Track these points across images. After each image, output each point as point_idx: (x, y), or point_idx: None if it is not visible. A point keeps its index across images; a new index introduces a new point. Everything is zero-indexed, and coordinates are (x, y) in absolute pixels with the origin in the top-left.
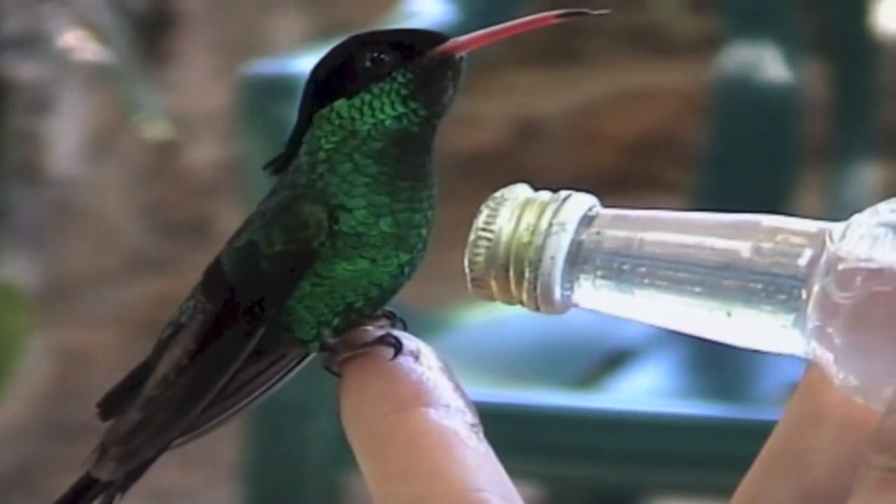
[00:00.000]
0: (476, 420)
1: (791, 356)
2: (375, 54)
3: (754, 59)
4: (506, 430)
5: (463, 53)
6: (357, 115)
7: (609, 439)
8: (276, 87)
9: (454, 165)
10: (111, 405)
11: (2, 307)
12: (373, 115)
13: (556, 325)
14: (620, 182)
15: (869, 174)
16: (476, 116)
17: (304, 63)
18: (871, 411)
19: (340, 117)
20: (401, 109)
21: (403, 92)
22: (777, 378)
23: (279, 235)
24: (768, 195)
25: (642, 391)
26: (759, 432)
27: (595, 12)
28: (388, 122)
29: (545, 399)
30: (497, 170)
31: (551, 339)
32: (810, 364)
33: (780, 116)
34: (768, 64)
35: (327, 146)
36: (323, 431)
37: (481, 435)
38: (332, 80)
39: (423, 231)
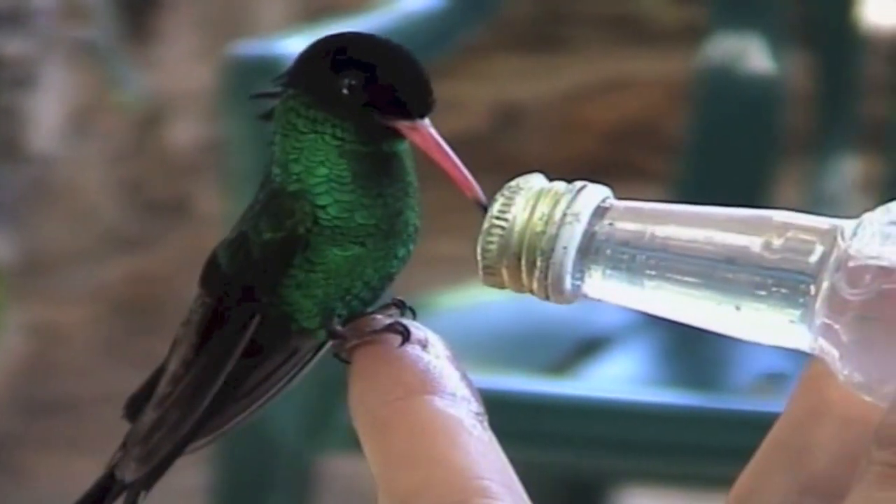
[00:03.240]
0: (481, 409)
1: (774, 349)
2: (353, 83)
3: (738, 50)
4: None
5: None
6: (309, 127)
7: (582, 426)
8: (260, 69)
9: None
10: (136, 407)
11: None
12: (319, 135)
13: (531, 311)
14: (600, 170)
15: (850, 167)
16: (457, 101)
17: (289, 45)
18: (873, 407)
19: (298, 117)
20: (339, 141)
21: (347, 136)
22: (750, 369)
23: (266, 224)
24: (749, 186)
25: (616, 378)
26: (732, 422)
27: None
28: (332, 143)
29: (519, 385)
30: (477, 155)
31: (526, 325)
32: (814, 359)
33: (763, 107)
34: (752, 54)
35: (287, 145)
36: (295, 412)
37: (486, 424)
38: (304, 74)
39: (410, 216)
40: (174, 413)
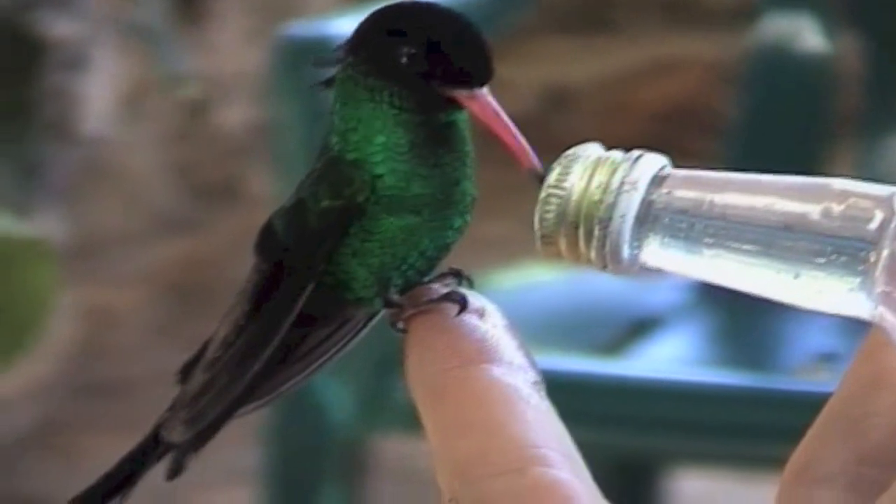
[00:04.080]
0: (539, 378)
1: (837, 327)
2: (413, 51)
3: (790, 30)
4: None
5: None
6: (367, 96)
7: (634, 406)
8: (310, 50)
9: (483, 133)
10: (189, 374)
11: (31, 263)
12: (378, 104)
13: (583, 291)
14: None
15: None
16: (506, 84)
17: (339, 25)
18: None
19: (356, 86)
20: (397, 110)
21: (404, 105)
22: (803, 349)
23: (325, 192)
24: (799, 167)
25: (668, 359)
26: (784, 402)
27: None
28: (389, 112)
29: (571, 365)
30: (527, 138)
31: (578, 306)
32: (874, 329)
33: (814, 88)
34: (803, 35)
35: (345, 114)
36: (350, 393)
37: (543, 393)
38: (364, 45)
39: (466, 186)
40: (223, 377)
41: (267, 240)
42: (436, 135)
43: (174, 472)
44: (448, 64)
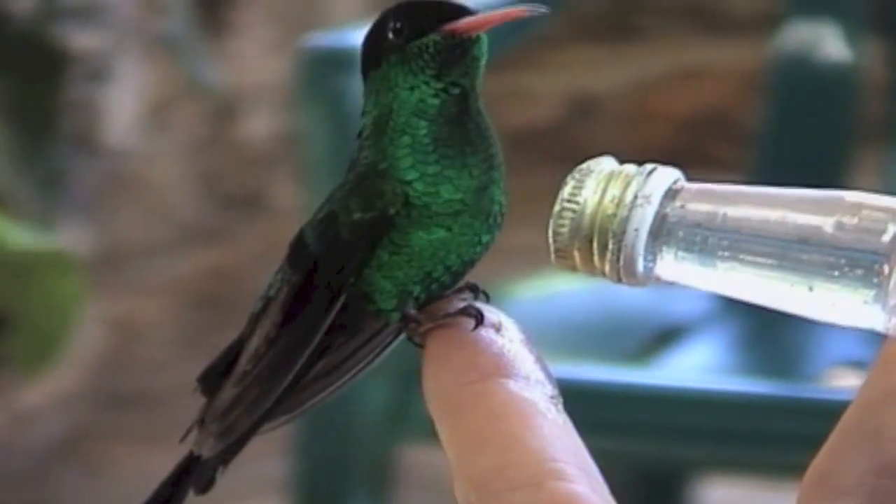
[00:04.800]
0: (556, 392)
1: (863, 334)
2: (397, 24)
3: (814, 38)
4: None
5: (472, 34)
6: (380, 87)
7: (659, 415)
8: (334, 60)
9: (509, 141)
10: (210, 380)
11: (56, 274)
12: (391, 88)
13: (608, 300)
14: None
15: None
16: (531, 92)
17: (362, 36)
18: None
19: (374, 91)
20: (411, 81)
21: (413, 65)
22: (828, 356)
23: (357, 204)
24: (824, 175)
25: (694, 367)
26: (809, 410)
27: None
28: (403, 94)
29: (596, 374)
30: (552, 146)
31: (604, 315)
32: (889, 340)
33: (839, 96)
34: (827, 42)
35: (369, 121)
36: (375, 403)
37: (560, 407)
38: (370, 54)
39: (496, 193)
40: (253, 390)
41: (298, 251)
42: (458, 130)
43: (206, 485)
44: (425, 16)
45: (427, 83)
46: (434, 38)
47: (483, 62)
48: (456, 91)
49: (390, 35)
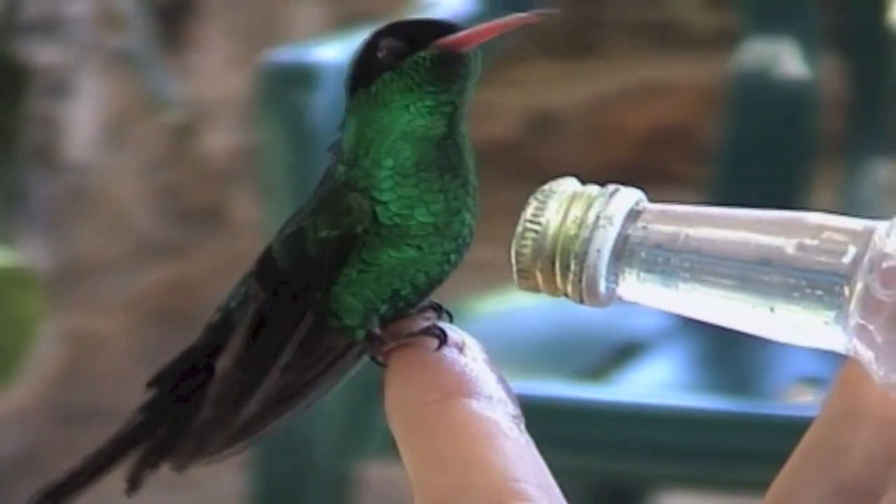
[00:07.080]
0: (518, 412)
1: (820, 351)
2: (389, 42)
3: (771, 54)
4: None
5: (467, 49)
6: (369, 104)
7: (618, 431)
8: (294, 75)
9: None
10: (161, 382)
11: (15, 290)
12: (384, 106)
13: (566, 316)
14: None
15: (884, 171)
16: (492, 108)
17: (324, 52)
18: None
19: (359, 108)
20: (408, 98)
21: (409, 81)
22: (787, 373)
23: (324, 222)
24: (783, 191)
25: (652, 384)
26: (768, 426)
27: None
28: (395, 114)
29: (556, 390)
30: (512, 161)
31: (562, 331)
32: (850, 360)
33: (797, 112)
34: (785, 59)
35: (351, 140)
36: (332, 418)
37: (523, 427)
38: (359, 72)
39: (466, 217)
40: (225, 407)
41: (265, 267)
42: (441, 155)
43: (133, 486)
44: (419, 34)
45: (422, 99)
46: (429, 54)
47: (475, 78)
48: (448, 109)
49: (381, 54)
